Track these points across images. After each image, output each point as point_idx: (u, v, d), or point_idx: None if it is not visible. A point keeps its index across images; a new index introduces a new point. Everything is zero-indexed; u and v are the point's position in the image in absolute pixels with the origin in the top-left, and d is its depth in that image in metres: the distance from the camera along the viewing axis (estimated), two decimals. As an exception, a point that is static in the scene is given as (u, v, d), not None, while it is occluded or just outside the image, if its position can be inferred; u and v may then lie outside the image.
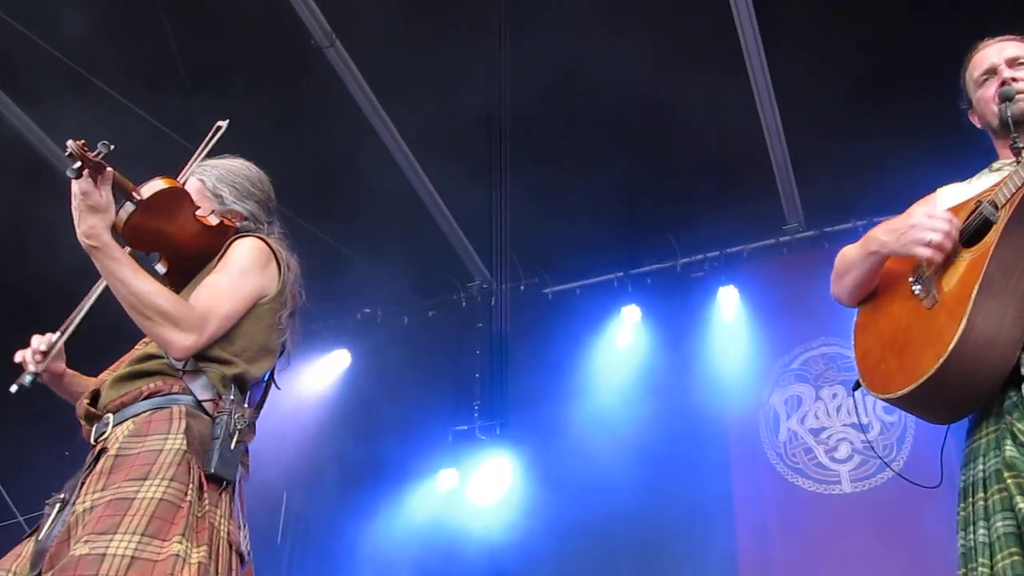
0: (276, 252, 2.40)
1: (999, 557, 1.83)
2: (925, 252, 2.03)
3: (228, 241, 2.37)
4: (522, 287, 7.23)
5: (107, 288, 2.24)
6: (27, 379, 2.23)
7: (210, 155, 2.55)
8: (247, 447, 2.27)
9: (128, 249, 2.26)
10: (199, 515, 2.01)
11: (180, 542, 1.93)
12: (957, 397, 1.99)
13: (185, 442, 2.06)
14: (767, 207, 6.43)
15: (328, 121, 6.14)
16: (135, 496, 1.95)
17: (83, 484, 2.04)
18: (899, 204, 2.32)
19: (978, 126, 2.32)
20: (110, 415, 2.17)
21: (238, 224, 2.44)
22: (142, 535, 1.90)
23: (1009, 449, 1.89)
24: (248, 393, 2.31)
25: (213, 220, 2.38)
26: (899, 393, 2.01)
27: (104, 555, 1.86)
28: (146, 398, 2.15)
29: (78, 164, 2.04)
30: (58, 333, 2.30)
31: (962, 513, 1.99)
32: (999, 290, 1.93)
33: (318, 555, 7.08)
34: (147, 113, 5.57)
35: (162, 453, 2.03)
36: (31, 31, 5.35)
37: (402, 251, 6.88)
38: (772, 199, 6.40)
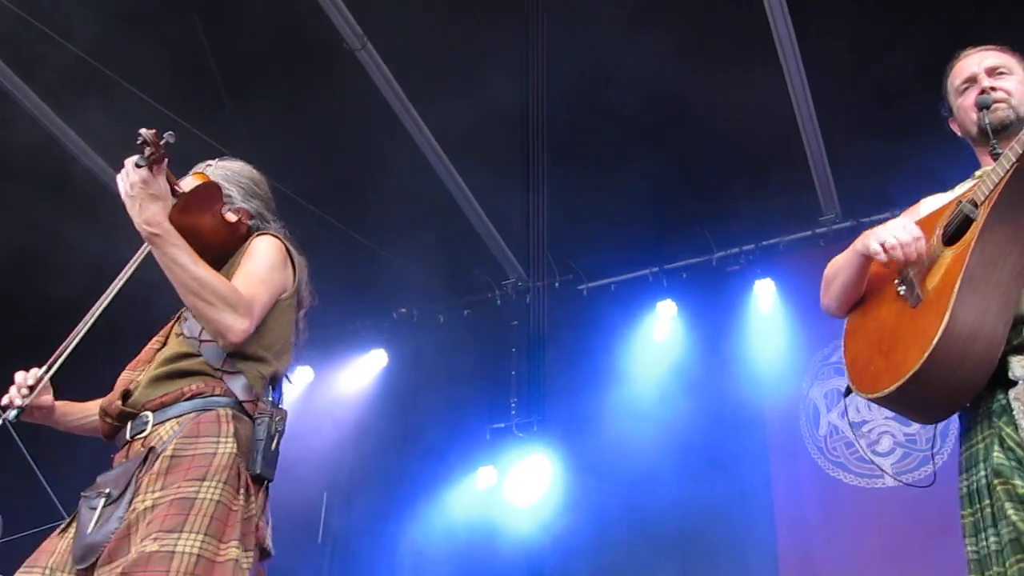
0: (290, 251, 2.46)
1: (1010, 563, 1.87)
2: (875, 247, 2.10)
3: (246, 238, 2.44)
4: (557, 284, 7.23)
5: (94, 324, 2.32)
6: (12, 414, 2.26)
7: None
8: None
9: None
10: (246, 517, 2.09)
11: (236, 547, 2.02)
12: (944, 393, 2.01)
13: (235, 446, 2.13)
14: (803, 199, 6.37)
15: (361, 123, 6.18)
16: (195, 497, 2.03)
17: (138, 483, 2.08)
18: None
19: (959, 134, 2.37)
20: (149, 413, 2.20)
21: (249, 223, 2.49)
22: (205, 534, 1.98)
23: (997, 455, 1.94)
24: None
25: (232, 217, 2.43)
26: (887, 391, 2.04)
27: (173, 552, 1.94)
28: (188, 399, 2.19)
29: (149, 152, 2.11)
30: (44, 368, 2.31)
31: (970, 519, 2.02)
32: (981, 284, 1.97)
33: (358, 555, 7.13)
34: (182, 119, 5.63)
35: (216, 456, 2.10)
36: (71, 42, 5.44)
37: (437, 250, 6.90)
38: (808, 191, 6.34)
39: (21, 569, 2.17)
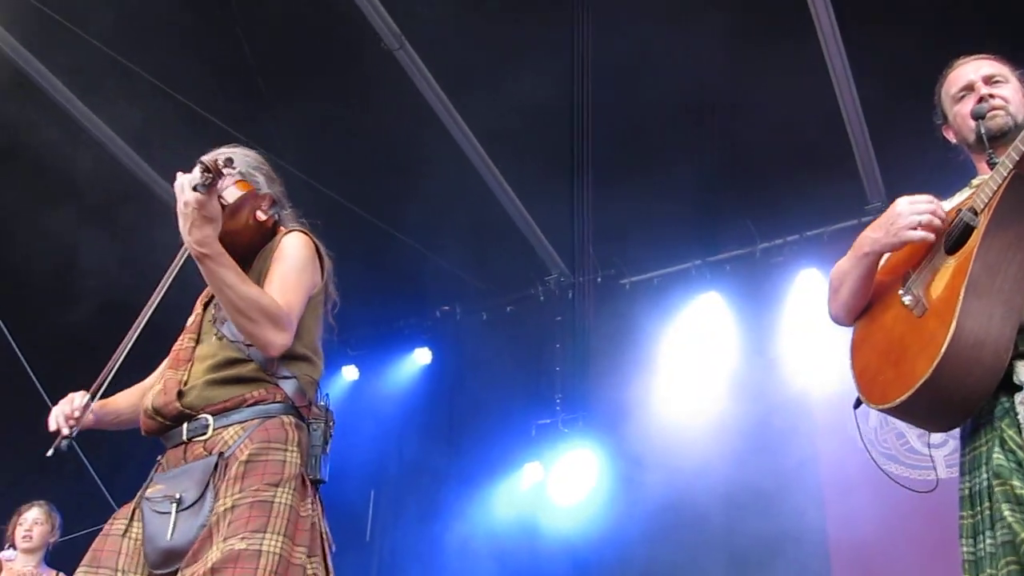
0: (318, 245, 2.49)
1: (1001, 564, 1.90)
2: (917, 234, 2.08)
3: (274, 232, 2.47)
4: (599, 279, 7.20)
5: (131, 350, 2.34)
6: (64, 444, 2.32)
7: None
8: None
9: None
10: (313, 521, 2.21)
11: (303, 552, 2.13)
12: (954, 400, 2.02)
13: (299, 454, 2.24)
14: (847, 187, 6.28)
15: (401, 122, 6.21)
16: (273, 500, 2.13)
17: (216, 489, 2.15)
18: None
19: (953, 141, 2.39)
20: (208, 416, 2.25)
21: (272, 212, 2.51)
22: (284, 535, 2.09)
23: (997, 456, 1.95)
24: None
25: (262, 216, 2.46)
26: (897, 401, 2.04)
27: (260, 551, 2.04)
28: (250, 405, 2.26)
29: (207, 178, 2.13)
30: (88, 396, 2.36)
31: (969, 520, 2.05)
32: (985, 291, 1.98)
33: (406, 551, 7.18)
34: (224, 122, 5.71)
35: (286, 464, 2.20)
36: (115, 50, 5.53)
37: (479, 247, 6.92)
38: (852, 179, 6.24)
39: (83, 569, 2.21)
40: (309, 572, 2.14)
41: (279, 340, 2.24)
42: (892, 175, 6.25)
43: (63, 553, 4.85)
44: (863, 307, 2.31)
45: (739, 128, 5.98)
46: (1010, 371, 2.00)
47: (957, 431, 2.18)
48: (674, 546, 6.13)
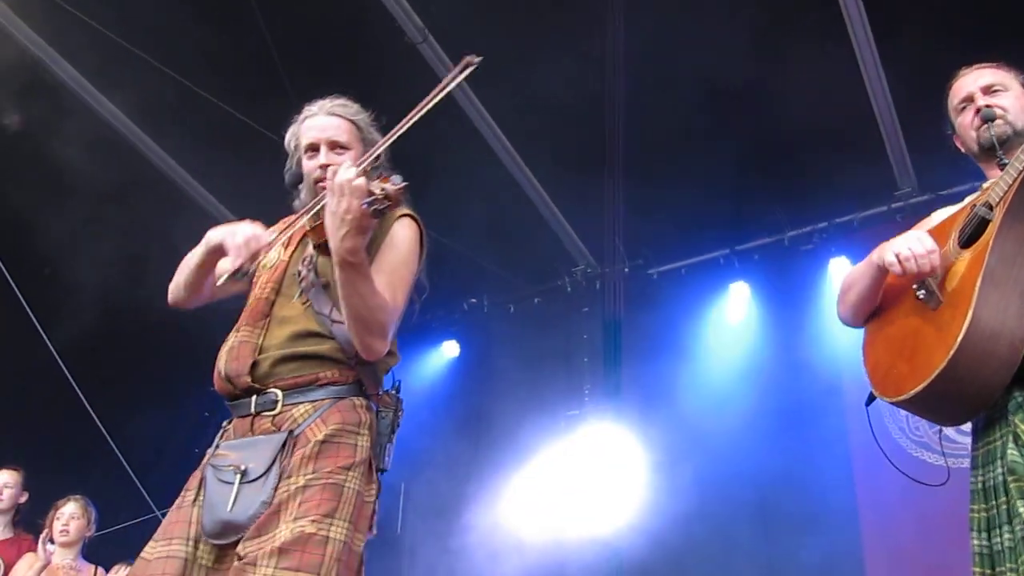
0: (423, 230, 2.46)
1: (1021, 560, 1.92)
2: (890, 258, 2.15)
3: (387, 216, 2.32)
4: (626, 269, 7.18)
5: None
6: (240, 274, 2.25)
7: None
8: None
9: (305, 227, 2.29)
10: (374, 508, 2.22)
11: (362, 541, 2.14)
12: (969, 392, 2.03)
13: (370, 440, 2.22)
14: (877, 173, 6.21)
15: (425, 116, 6.21)
16: (344, 484, 2.11)
17: (284, 466, 2.11)
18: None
19: (962, 151, 2.42)
20: (277, 391, 2.20)
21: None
22: (349, 522, 2.09)
23: (1012, 452, 1.97)
24: None
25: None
26: (912, 392, 2.07)
27: (328, 537, 2.03)
28: (322, 385, 2.21)
29: (383, 205, 2.04)
30: (272, 236, 2.28)
31: (983, 514, 2.06)
32: (1001, 281, 2.01)
33: (436, 543, 7.20)
34: (250, 118, 5.75)
35: (357, 448, 2.18)
36: (141, 47, 5.58)
37: (504, 239, 6.92)
38: (882, 165, 6.18)
39: (158, 539, 2.18)
40: (363, 559, 2.16)
41: (383, 348, 2.22)
42: (921, 160, 6.18)
43: (99, 547, 4.93)
44: (870, 311, 2.36)
45: (767, 116, 5.94)
46: (1022, 364, 2.01)
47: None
48: (705, 534, 6.11)
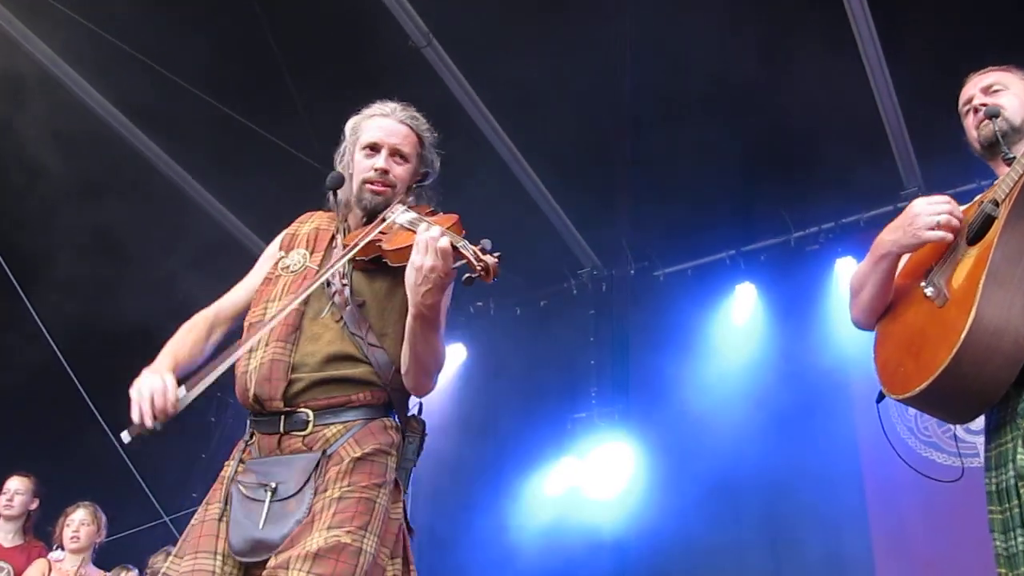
0: None
1: None
2: (936, 234, 2.13)
3: None
4: (632, 271, 7.17)
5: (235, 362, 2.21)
6: (143, 436, 2.14)
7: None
8: None
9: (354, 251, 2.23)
10: (401, 524, 2.21)
11: (387, 555, 2.14)
12: (973, 389, 2.03)
13: (396, 461, 2.22)
14: (882, 173, 6.19)
15: (429, 119, 6.21)
16: (376, 500, 2.13)
17: (318, 482, 2.11)
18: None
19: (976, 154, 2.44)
20: (309, 412, 2.18)
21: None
22: (378, 536, 2.10)
23: (1021, 456, 1.98)
24: None
25: None
26: (917, 390, 2.06)
27: (361, 549, 2.05)
28: (354, 407, 2.21)
29: (478, 276, 2.07)
30: (186, 392, 2.15)
31: (999, 516, 2.07)
32: (1005, 279, 2.00)
33: (444, 547, 7.20)
34: (257, 124, 5.76)
35: (388, 469, 2.19)
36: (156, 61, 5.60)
37: (510, 242, 6.88)
38: (887, 164, 6.16)
39: (183, 556, 2.16)
40: (389, 573, 2.14)
41: (432, 388, 2.25)
42: (928, 160, 6.17)
43: (109, 553, 4.94)
44: (883, 309, 2.35)
45: (772, 116, 5.93)
46: None
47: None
48: (713, 536, 6.10)
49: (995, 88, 2.36)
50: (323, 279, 2.22)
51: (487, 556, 6.83)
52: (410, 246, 2.11)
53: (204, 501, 2.23)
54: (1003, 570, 2.03)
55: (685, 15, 5.42)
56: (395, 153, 2.40)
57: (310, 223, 2.48)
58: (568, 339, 7.35)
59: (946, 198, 2.17)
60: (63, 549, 4.75)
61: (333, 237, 2.38)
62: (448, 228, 2.15)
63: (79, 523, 4.76)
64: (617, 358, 6.87)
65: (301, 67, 5.84)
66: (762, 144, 6.10)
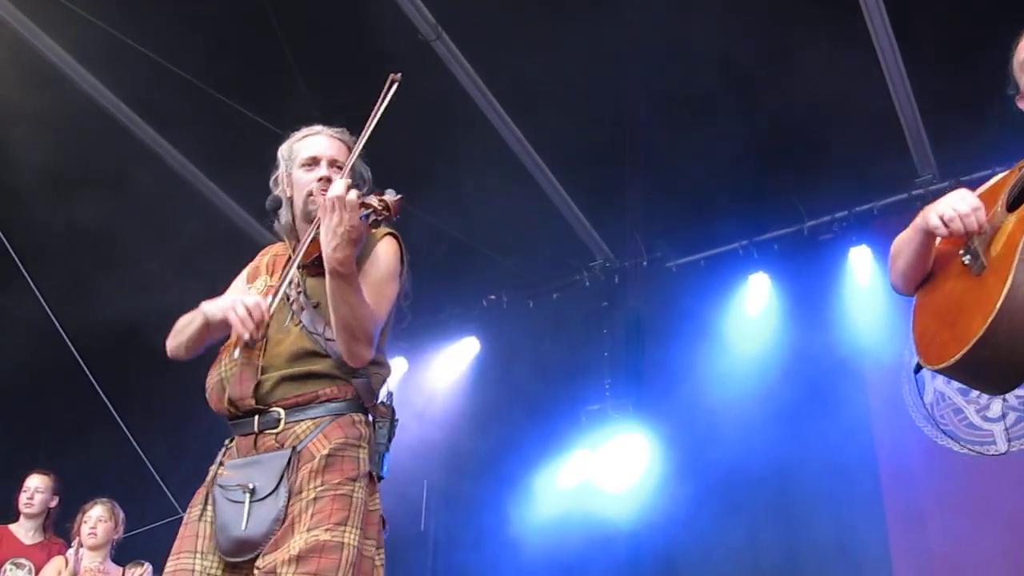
0: (403, 249, 2.55)
1: None
2: (934, 221, 2.09)
3: (372, 235, 2.46)
4: (644, 263, 7.15)
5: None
6: (252, 343, 2.33)
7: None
8: None
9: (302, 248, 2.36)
10: (380, 515, 2.34)
11: (373, 545, 2.27)
12: (1011, 359, 1.98)
13: (368, 453, 2.34)
14: (896, 161, 6.15)
15: (440, 113, 6.22)
16: (352, 495, 2.24)
17: (292, 482, 2.22)
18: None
19: None
20: (280, 410, 2.30)
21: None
22: (360, 529, 2.21)
23: None
24: None
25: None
26: (953, 360, 2.02)
27: (342, 543, 2.16)
28: (322, 402, 2.32)
29: (380, 217, 2.20)
30: (270, 297, 2.35)
31: None
32: None
33: (460, 540, 7.22)
34: (265, 119, 5.76)
35: (360, 461, 2.30)
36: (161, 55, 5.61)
37: (522, 235, 6.91)
38: (901, 152, 6.12)
39: (172, 555, 2.29)
40: (377, 563, 2.27)
41: (367, 355, 2.32)
42: (942, 147, 6.12)
43: (127, 549, 4.96)
44: (921, 278, 2.30)
45: (783, 105, 5.89)
46: None
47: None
48: (727, 527, 6.10)
49: None
50: (282, 292, 2.36)
51: (500, 549, 6.84)
52: None
53: (190, 504, 2.36)
54: None
55: (695, 3, 5.39)
56: (333, 164, 2.53)
57: (269, 254, 2.64)
58: (581, 331, 7.34)
59: (978, 204, 2.09)
60: (82, 546, 4.78)
61: (288, 259, 2.51)
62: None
63: (96, 519, 4.78)
64: (630, 350, 6.85)
65: (309, 62, 5.84)
66: (774, 133, 6.06)
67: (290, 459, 2.24)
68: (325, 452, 2.25)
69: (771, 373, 6.38)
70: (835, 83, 5.61)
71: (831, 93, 5.66)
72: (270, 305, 2.33)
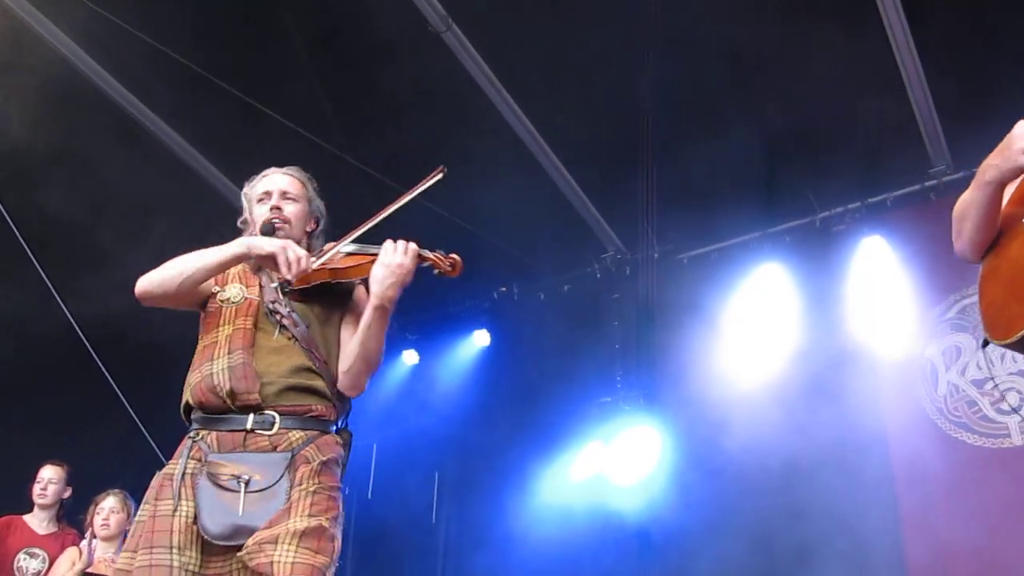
0: None
1: None
2: (1020, 158, 1.97)
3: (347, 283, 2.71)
4: (656, 254, 7.13)
5: None
6: (288, 283, 2.54)
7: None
8: None
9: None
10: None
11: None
12: None
13: (341, 471, 2.56)
14: (909, 151, 6.11)
15: (451, 105, 6.21)
16: (339, 500, 2.47)
17: (293, 477, 2.39)
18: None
19: None
20: (275, 414, 2.46)
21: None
22: (340, 526, 2.45)
23: None
24: None
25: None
26: (1020, 334, 1.93)
27: (335, 536, 2.39)
28: (312, 417, 2.51)
29: (442, 272, 2.61)
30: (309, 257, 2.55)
31: None
32: None
33: (471, 533, 7.24)
34: (275, 111, 5.76)
35: (339, 478, 2.53)
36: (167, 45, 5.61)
37: (533, 227, 6.90)
38: (914, 141, 6.07)
39: (136, 550, 2.32)
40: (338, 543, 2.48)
41: (364, 389, 2.61)
42: (956, 137, 6.07)
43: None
44: (989, 241, 2.17)
45: (795, 94, 5.86)
46: None
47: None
48: (739, 519, 6.08)
49: None
50: (277, 303, 2.57)
51: (511, 541, 6.84)
52: (366, 262, 2.56)
53: (151, 498, 2.40)
54: None
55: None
56: (284, 195, 2.75)
57: (232, 268, 2.75)
58: (592, 323, 7.33)
59: None
60: (95, 537, 4.81)
61: (260, 283, 2.68)
62: None
63: (109, 511, 4.81)
64: (642, 342, 6.83)
65: (319, 53, 5.84)
66: (786, 123, 6.03)
67: (291, 460, 2.41)
68: (322, 458, 2.45)
69: (783, 365, 6.36)
70: (848, 73, 5.58)
71: (844, 83, 5.63)
72: (274, 300, 2.56)
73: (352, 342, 2.56)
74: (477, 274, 7.40)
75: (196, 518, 2.31)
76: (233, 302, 2.61)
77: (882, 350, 6.17)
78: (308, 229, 2.76)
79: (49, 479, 5.03)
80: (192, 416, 2.53)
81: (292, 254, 2.49)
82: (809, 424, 5.96)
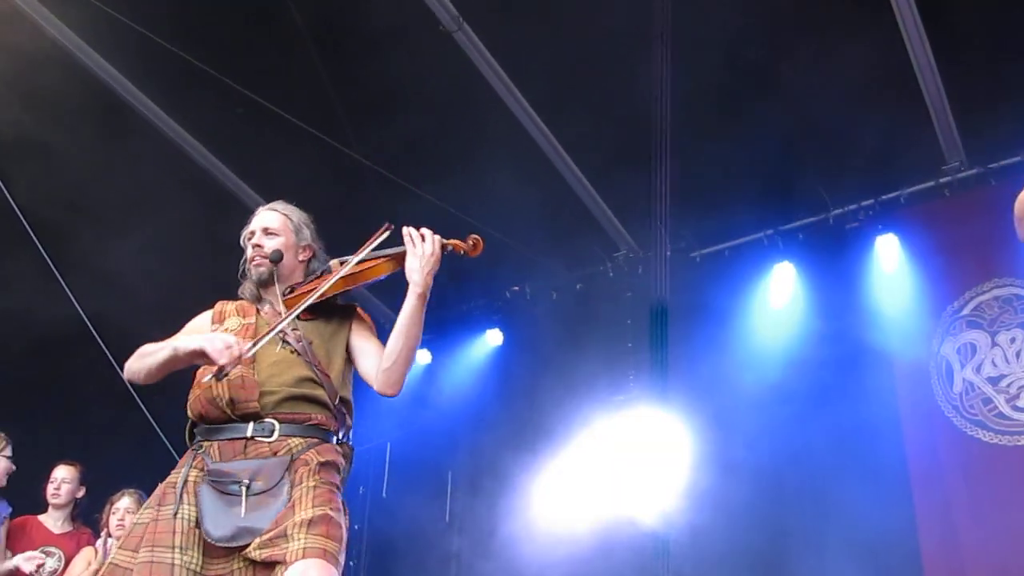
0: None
1: None
2: None
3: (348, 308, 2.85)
4: (668, 252, 7.11)
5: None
6: (225, 373, 2.50)
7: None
8: None
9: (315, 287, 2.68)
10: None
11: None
12: None
13: (342, 478, 2.62)
14: (923, 148, 6.07)
15: (463, 104, 6.21)
16: (339, 494, 2.54)
17: (293, 478, 2.46)
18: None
19: None
20: (274, 422, 2.53)
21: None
22: (340, 511, 2.50)
23: None
24: None
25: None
26: None
27: (341, 525, 2.45)
28: (312, 425, 2.58)
29: (464, 253, 2.72)
30: (250, 344, 2.54)
31: None
32: None
33: (484, 532, 7.23)
34: (290, 113, 5.78)
35: (340, 479, 2.60)
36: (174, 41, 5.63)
37: (545, 226, 6.89)
38: (928, 138, 6.03)
39: (135, 548, 2.37)
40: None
41: (402, 387, 2.66)
42: (970, 134, 6.04)
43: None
44: None
45: (808, 92, 5.83)
46: None
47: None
48: (754, 517, 6.06)
49: None
50: (279, 327, 2.61)
51: (524, 539, 6.84)
52: (381, 264, 2.69)
53: (153, 504, 2.49)
54: None
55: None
56: (265, 231, 2.84)
57: (231, 304, 2.88)
58: (605, 322, 7.32)
59: None
60: (111, 536, 4.83)
61: (257, 311, 2.79)
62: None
63: (124, 511, 4.82)
64: (654, 340, 6.80)
65: (331, 53, 5.85)
66: (799, 120, 5.99)
67: (289, 464, 2.48)
68: (320, 460, 2.51)
69: (796, 363, 6.33)
70: (861, 70, 5.55)
71: (857, 80, 5.60)
72: (263, 337, 2.56)
73: (392, 339, 2.63)
74: (489, 273, 7.43)
75: (199, 522, 2.37)
76: (232, 331, 2.69)
77: (897, 347, 6.14)
78: (301, 258, 2.84)
79: (62, 479, 5.05)
80: (195, 430, 2.62)
81: (220, 343, 2.47)
82: (824, 423, 5.93)
